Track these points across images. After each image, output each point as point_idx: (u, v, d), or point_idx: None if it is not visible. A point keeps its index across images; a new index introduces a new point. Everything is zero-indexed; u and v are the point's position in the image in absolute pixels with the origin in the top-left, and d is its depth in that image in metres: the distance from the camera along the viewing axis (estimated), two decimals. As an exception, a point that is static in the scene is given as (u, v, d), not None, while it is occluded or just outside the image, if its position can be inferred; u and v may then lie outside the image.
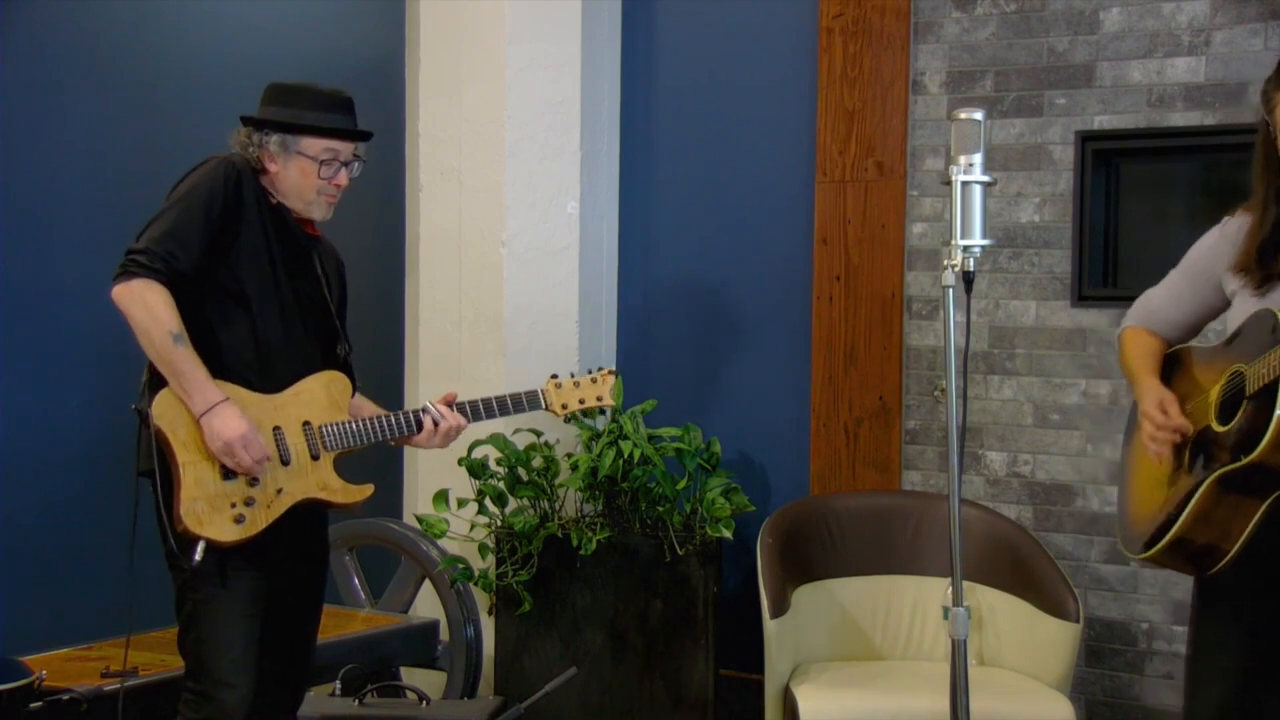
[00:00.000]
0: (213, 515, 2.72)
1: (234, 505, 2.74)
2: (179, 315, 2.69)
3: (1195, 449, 2.54)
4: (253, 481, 2.76)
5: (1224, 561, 2.45)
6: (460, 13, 4.48)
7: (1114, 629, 3.96)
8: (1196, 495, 2.46)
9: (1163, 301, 2.77)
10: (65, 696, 3.18)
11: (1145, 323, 2.80)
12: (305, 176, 2.88)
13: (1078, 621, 3.49)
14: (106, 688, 3.23)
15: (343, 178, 2.93)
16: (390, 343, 4.75)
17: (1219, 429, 2.48)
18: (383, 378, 4.67)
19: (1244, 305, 2.54)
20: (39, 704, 3.14)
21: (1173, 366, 2.72)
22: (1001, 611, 3.72)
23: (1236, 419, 2.44)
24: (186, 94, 5.25)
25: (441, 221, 4.53)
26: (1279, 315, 2.39)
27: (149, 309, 2.67)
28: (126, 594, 2.85)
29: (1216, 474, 2.43)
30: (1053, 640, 3.53)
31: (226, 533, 2.73)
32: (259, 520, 2.76)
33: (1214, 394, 2.52)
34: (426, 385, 4.52)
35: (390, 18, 4.80)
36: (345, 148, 2.92)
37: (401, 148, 4.62)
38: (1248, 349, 2.46)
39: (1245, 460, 2.36)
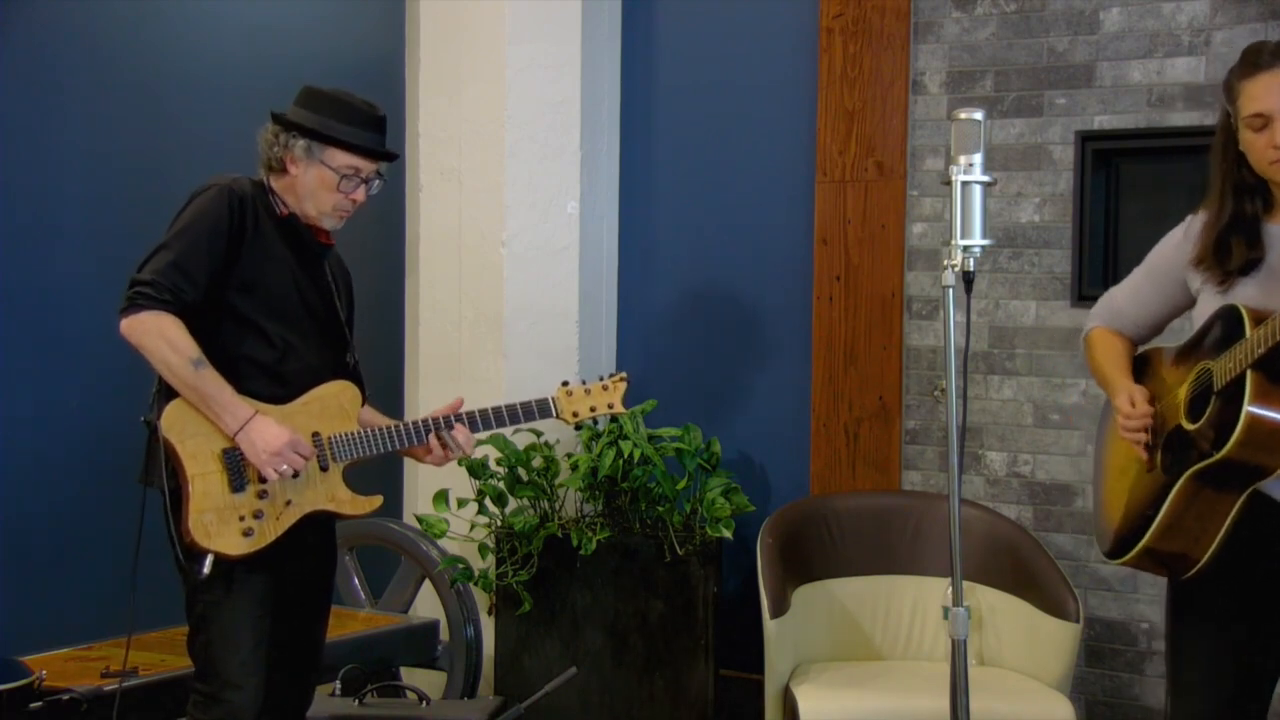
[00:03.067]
0: (221, 528, 2.71)
1: (243, 518, 2.73)
2: (194, 340, 2.69)
3: (1166, 449, 2.53)
4: (262, 494, 2.75)
5: (1199, 566, 2.43)
6: (460, 13, 4.48)
7: (1114, 629, 3.96)
8: (1171, 494, 2.45)
9: (1126, 301, 2.77)
10: (65, 696, 3.18)
11: (1110, 323, 2.79)
12: (323, 187, 2.87)
13: (1078, 621, 3.49)
14: (106, 688, 3.23)
15: (360, 194, 2.92)
16: (390, 343, 4.75)
17: (1189, 427, 2.46)
18: (383, 378, 4.66)
19: (1208, 302, 2.53)
20: (39, 704, 3.14)
21: (1142, 368, 2.72)
22: (1001, 611, 3.72)
23: (1206, 416, 2.42)
24: (186, 94, 5.25)
25: (441, 221, 4.53)
26: (1243, 310, 2.39)
27: (165, 339, 2.67)
28: (127, 594, 2.85)
29: (1190, 472, 2.42)
30: (1053, 640, 3.53)
31: (235, 546, 2.72)
32: (268, 533, 2.76)
33: (1182, 392, 2.51)
34: (427, 385, 4.52)
35: (390, 18, 4.80)
36: (369, 166, 2.91)
37: (401, 148, 4.61)
38: (1214, 345, 2.45)
39: (1217, 456, 2.35)
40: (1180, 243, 2.63)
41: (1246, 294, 2.46)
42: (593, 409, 3.05)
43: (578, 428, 3.13)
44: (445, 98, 4.51)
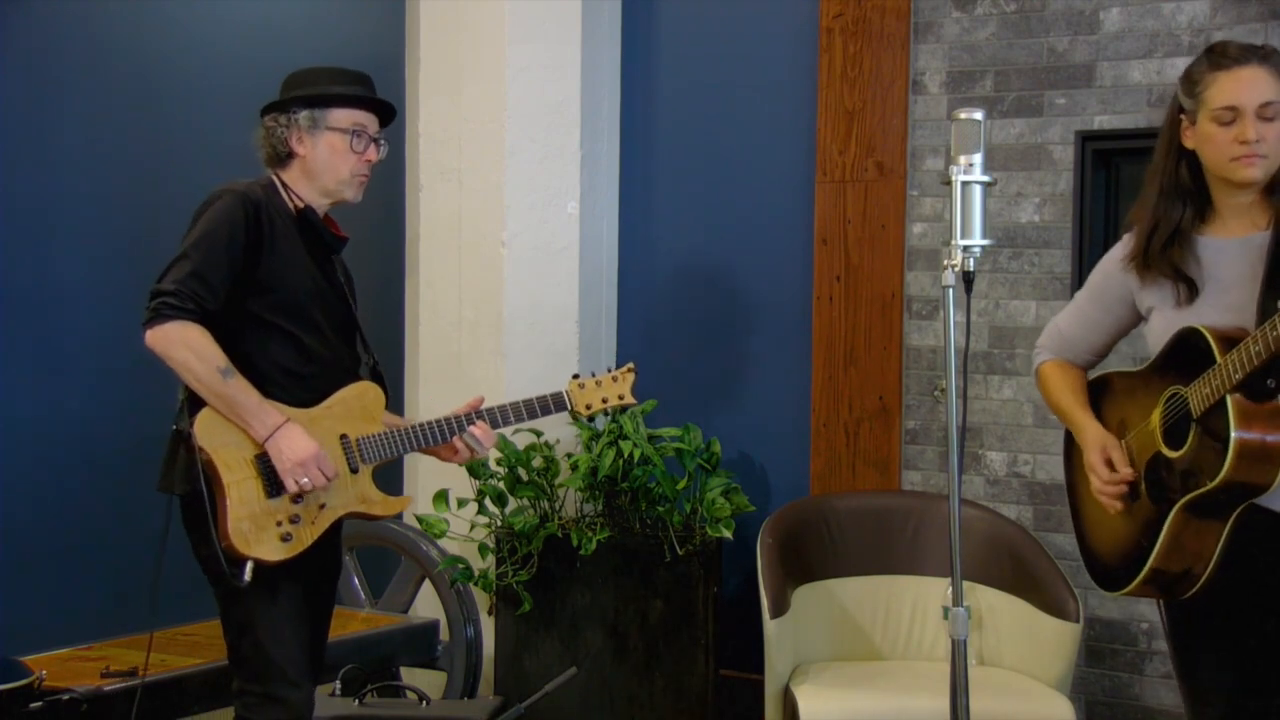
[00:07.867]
0: (259, 534, 2.70)
1: (280, 523, 2.72)
2: (220, 348, 2.68)
3: (1149, 477, 2.50)
4: (297, 498, 2.74)
5: (1199, 585, 2.41)
6: (460, 13, 4.48)
7: (1114, 629, 3.96)
8: (1166, 524, 2.42)
9: (1072, 326, 2.73)
10: (65, 696, 3.18)
11: (1060, 353, 2.76)
12: (336, 153, 2.87)
13: (1078, 621, 3.49)
14: (106, 688, 3.23)
15: (373, 153, 2.92)
16: (390, 343, 4.74)
17: (1171, 454, 2.44)
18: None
19: (1164, 322, 2.50)
20: (39, 704, 3.14)
21: (1100, 393, 2.68)
22: (1001, 611, 3.72)
23: (1188, 444, 2.39)
24: (186, 94, 5.25)
25: (441, 222, 4.53)
26: (1206, 334, 2.35)
27: (191, 348, 2.66)
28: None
29: (1183, 501, 2.39)
30: (1053, 640, 3.53)
31: (274, 551, 2.71)
32: (305, 537, 2.75)
33: (1156, 418, 2.48)
34: (427, 386, 4.52)
35: (390, 18, 4.80)
36: (371, 121, 2.92)
37: (401, 148, 4.61)
38: (1180, 369, 2.42)
39: (1211, 485, 2.32)
40: (1122, 260, 2.58)
41: (1200, 313, 2.42)
42: (604, 400, 3.09)
43: (591, 419, 3.15)
44: (445, 98, 4.51)
